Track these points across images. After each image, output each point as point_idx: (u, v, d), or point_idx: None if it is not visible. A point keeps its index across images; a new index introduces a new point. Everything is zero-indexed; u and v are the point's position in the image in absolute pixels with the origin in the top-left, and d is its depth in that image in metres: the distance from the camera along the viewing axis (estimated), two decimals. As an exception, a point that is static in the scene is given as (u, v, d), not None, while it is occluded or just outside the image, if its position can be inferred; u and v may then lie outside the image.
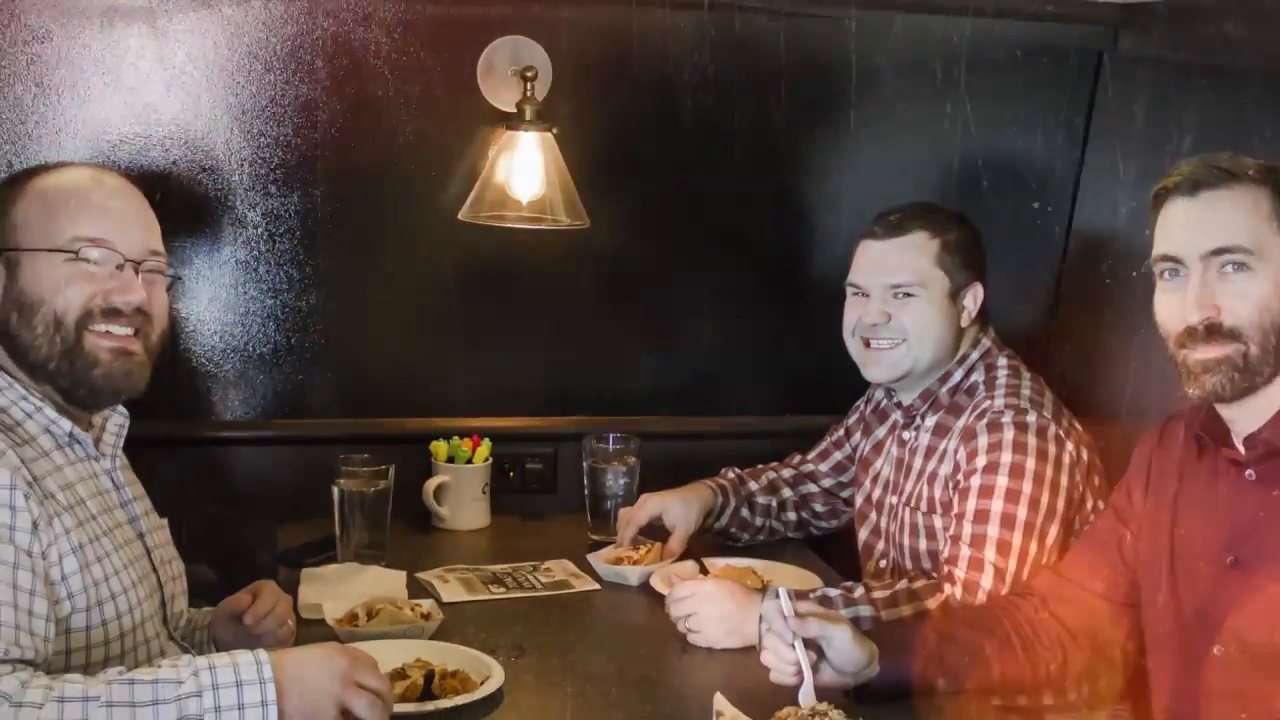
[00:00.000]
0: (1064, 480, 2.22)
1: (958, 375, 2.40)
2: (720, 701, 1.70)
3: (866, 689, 1.84)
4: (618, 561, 2.44)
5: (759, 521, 2.65)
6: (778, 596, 1.81)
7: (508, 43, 2.60)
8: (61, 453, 1.73)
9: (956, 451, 2.30)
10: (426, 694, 1.80)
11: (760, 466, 2.73)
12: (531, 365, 2.89)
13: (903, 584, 2.16)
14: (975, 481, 2.22)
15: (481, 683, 1.85)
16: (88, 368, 1.73)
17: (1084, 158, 2.87)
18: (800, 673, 1.77)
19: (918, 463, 2.41)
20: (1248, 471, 1.76)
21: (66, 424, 1.74)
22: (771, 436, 2.88)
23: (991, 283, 2.42)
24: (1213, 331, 1.70)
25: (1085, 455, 2.28)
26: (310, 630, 2.05)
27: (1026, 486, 2.19)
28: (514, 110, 2.59)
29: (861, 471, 2.60)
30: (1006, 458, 2.21)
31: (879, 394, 2.61)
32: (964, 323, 2.40)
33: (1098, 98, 2.81)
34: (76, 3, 2.44)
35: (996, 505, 2.18)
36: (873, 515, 2.54)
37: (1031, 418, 2.24)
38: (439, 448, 2.71)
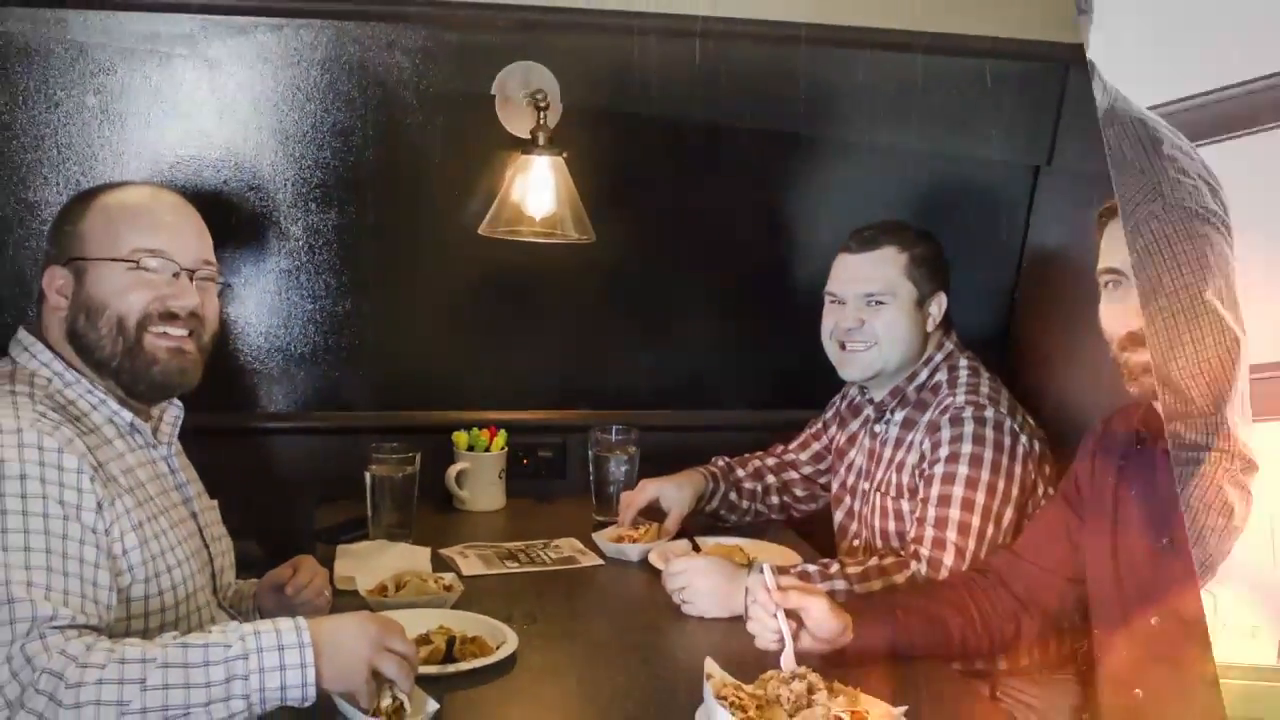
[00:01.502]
0: (1018, 469, 2.22)
1: (923, 375, 2.40)
2: (710, 665, 1.70)
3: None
4: (619, 540, 2.44)
5: (745, 504, 2.64)
6: (762, 572, 1.81)
7: (521, 71, 2.59)
8: (123, 440, 1.73)
9: (922, 443, 2.29)
10: (448, 657, 1.80)
11: (747, 455, 2.72)
12: (543, 364, 2.89)
13: (874, 561, 2.16)
14: (939, 470, 2.22)
15: (497, 647, 1.85)
16: (147, 365, 1.73)
17: (1038, 182, 2.86)
18: (782, 640, 1.77)
19: (887, 453, 2.40)
20: (1182, 462, 1.76)
21: (127, 415, 1.74)
22: (758, 429, 2.87)
23: (954, 292, 2.42)
24: (1152, 336, 1.70)
25: (1037, 446, 2.28)
26: (344, 600, 2.05)
27: (984, 474, 2.19)
28: (528, 136, 2.58)
29: (837, 460, 2.60)
30: (967, 449, 2.21)
31: (853, 391, 2.61)
32: (929, 328, 2.40)
33: (1051, 135, 2.80)
34: (137, 38, 2.44)
35: (958, 491, 2.18)
36: (847, 500, 2.54)
37: (989, 413, 2.24)
38: (460, 437, 2.71)
